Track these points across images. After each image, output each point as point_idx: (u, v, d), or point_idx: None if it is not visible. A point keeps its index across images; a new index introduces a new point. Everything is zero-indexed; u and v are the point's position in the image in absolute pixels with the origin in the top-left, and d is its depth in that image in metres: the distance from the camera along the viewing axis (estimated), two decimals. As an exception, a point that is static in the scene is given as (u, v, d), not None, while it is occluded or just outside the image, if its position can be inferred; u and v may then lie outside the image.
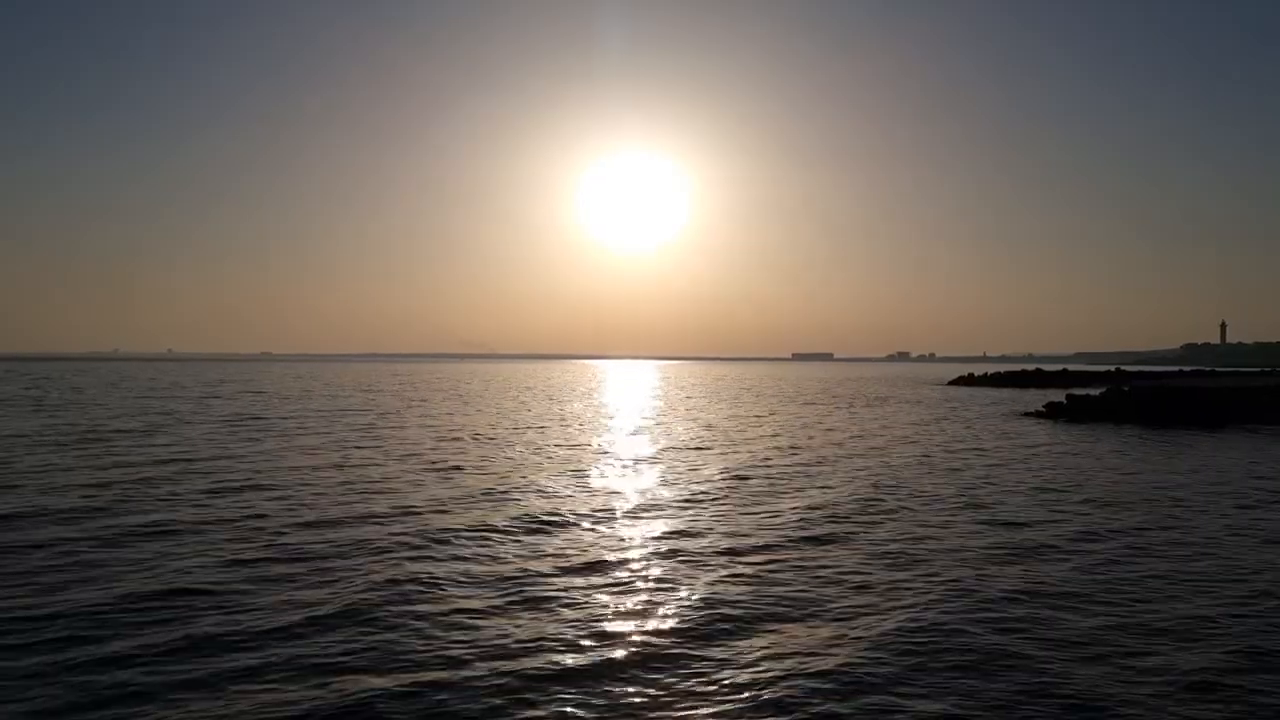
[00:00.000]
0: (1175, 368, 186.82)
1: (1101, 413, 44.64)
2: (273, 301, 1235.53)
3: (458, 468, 24.02)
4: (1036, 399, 60.83)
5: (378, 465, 24.29)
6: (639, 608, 10.88)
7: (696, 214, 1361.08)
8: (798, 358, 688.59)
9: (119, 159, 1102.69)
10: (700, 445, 31.25)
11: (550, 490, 20.08)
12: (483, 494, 19.34)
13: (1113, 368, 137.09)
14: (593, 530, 15.70)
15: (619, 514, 17.26)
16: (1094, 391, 51.13)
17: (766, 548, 14.23)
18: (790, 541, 14.74)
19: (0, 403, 51.84)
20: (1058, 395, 51.77)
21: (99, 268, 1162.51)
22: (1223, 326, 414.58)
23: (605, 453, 28.43)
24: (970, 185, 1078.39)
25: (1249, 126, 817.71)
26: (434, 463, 25.02)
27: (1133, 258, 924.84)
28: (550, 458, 26.81)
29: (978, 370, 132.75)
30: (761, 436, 34.93)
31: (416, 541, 14.34)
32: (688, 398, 69.96)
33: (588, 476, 22.56)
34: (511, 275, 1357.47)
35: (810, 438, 34.45)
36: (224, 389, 75.20)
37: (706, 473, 23.52)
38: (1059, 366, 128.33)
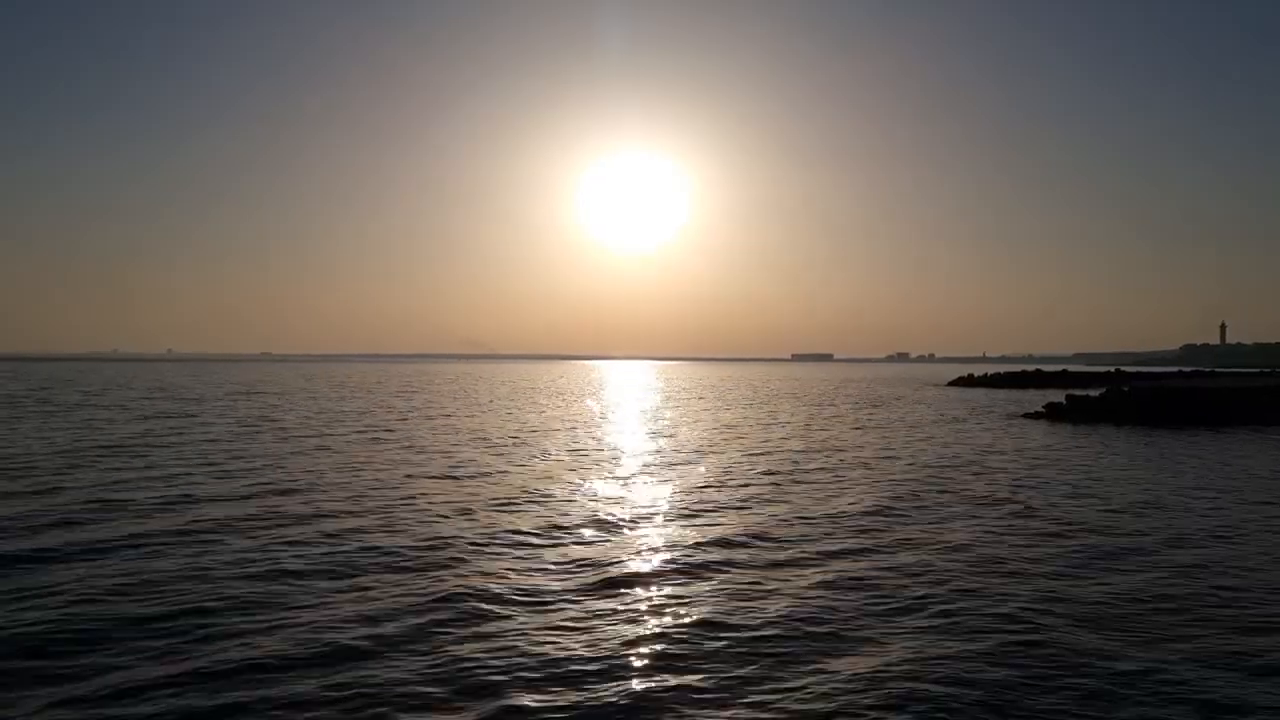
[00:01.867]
0: (1174, 368, 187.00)
1: (1101, 413, 44.82)
2: (272, 302, 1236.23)
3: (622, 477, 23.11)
4: (1036, 399, 61.03)
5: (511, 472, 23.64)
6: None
7: (696, 214, 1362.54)
8: (797, 358, 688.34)
9: (119, 159, 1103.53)
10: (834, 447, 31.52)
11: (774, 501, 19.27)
12: (687, 509, 18.04)
13: (1112, 368, 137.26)
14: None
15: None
16: (1093, 392, 51.32)
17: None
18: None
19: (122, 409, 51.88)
20: (1057, 396, 51.95)
21: (99, 268, 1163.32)
22: (1222, 327, 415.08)
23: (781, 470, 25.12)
24: (970, 185, 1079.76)
25: (1249, 126, 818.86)
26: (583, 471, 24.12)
27: (1133, 258, 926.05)
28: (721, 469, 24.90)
29: (977, 371, 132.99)
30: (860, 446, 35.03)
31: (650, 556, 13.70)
32: (727, 403, 67.04)
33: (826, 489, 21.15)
34: (511, 275, 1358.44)
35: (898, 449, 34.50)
36: (260, 390, 75.34)
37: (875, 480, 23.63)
38: (1058, 367, 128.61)
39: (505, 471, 23.85)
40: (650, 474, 23.84)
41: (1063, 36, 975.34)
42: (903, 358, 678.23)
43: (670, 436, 35.73)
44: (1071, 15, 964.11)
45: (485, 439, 33.26)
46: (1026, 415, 48.56)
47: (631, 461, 26.60)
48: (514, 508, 18.00)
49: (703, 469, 24.89)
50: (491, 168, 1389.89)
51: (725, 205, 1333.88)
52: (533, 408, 55.43)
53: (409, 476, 22.47)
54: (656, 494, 20.18)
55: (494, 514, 17.23)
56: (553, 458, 27.36)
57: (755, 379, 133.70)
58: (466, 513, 17.33)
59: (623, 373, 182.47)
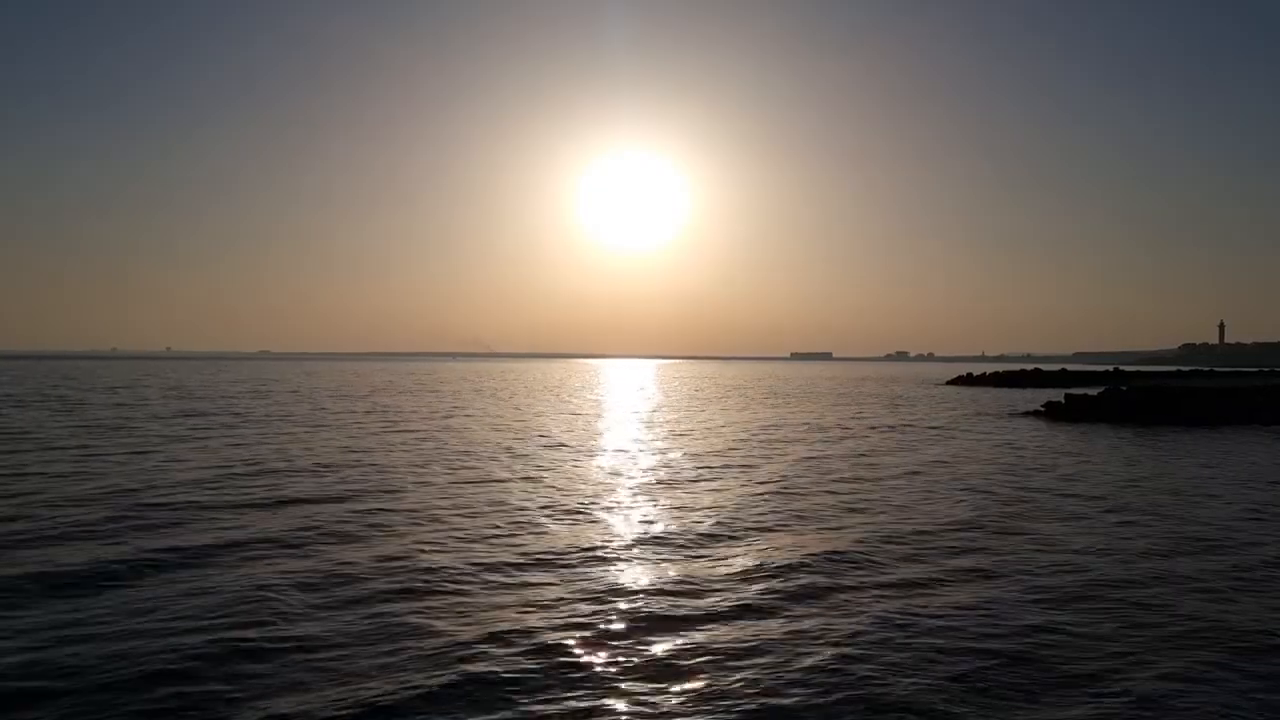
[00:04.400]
0: (1173, 368, 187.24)
1: (1099, 413, 44.97)
2: (271, 300, 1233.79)
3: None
4: (1035, 399, 61.26)
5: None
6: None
7: (696, 214, 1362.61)
8: (796, 357, 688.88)
9: (119, 159, 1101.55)
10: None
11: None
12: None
13: (1111, 368, 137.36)
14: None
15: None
16: (1092, 391, 51.50)
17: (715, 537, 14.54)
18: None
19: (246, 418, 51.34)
20: (1056, 395, 52.16)
21: (98, 267, 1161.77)
22: (1221, 327, 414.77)
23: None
24: (970, 185, 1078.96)
25: (1249, 126, 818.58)
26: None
27: (1131, 258, 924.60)
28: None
29: (976, 370, 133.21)
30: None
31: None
32: (784, 401, 66.21)
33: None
34: (511, 275, 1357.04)
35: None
36: (338, 393, 75.28)
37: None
38: (1057, 366, 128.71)
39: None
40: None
41: (1063, 37, 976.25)
42: (902, 356, 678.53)
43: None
44: (1071, 16, 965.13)
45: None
46: (1026, 414, 48.75)
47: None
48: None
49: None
50: (491, 167, 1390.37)
51: (725, 205, 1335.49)
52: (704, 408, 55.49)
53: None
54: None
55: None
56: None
57: (767, 377, 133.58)
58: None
59: (631, 372, 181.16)
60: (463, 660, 9.02)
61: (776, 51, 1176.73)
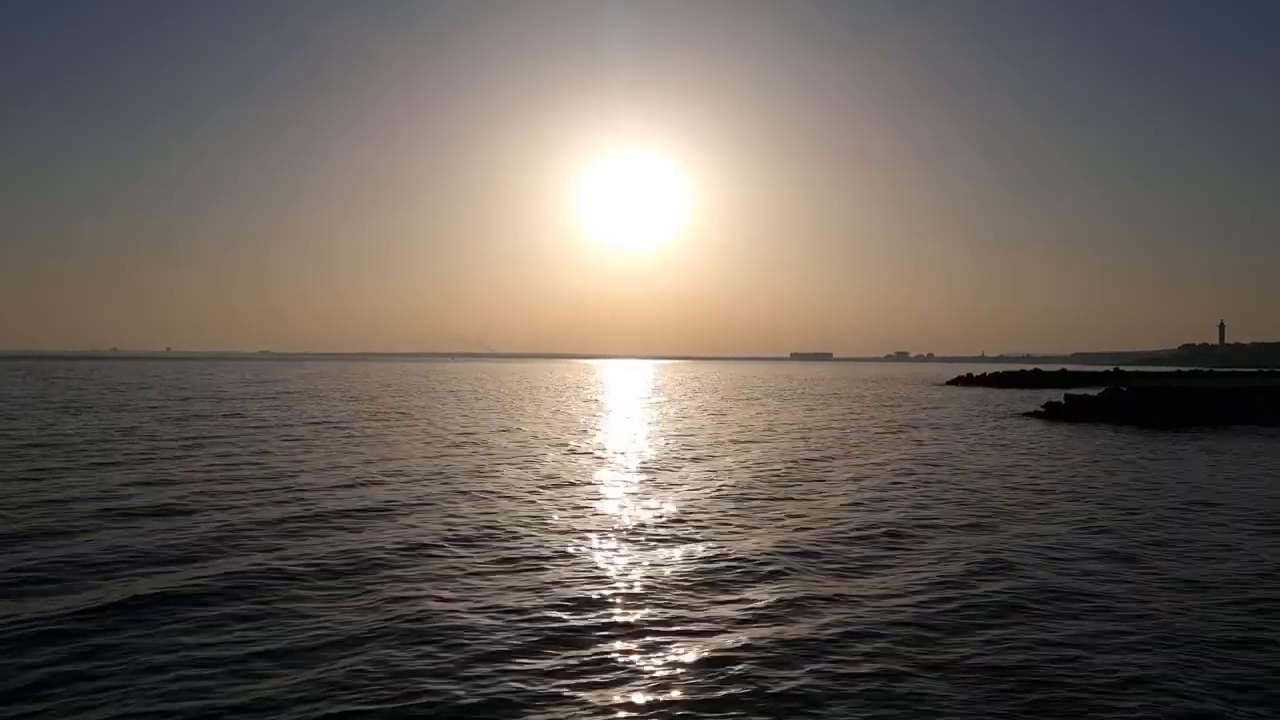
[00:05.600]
0: (1173, 368, 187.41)
1: (1099, 413, 45.43)
2: (271, 300, 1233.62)
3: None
4: (1035, 399, 61.83)
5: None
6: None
7: (696, 214, 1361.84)
8: (796, 357, 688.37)
9: (118, 159, 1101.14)
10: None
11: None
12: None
13: (1111, 368, 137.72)
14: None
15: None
16: (1092, 392, 52.03)
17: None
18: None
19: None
20: (1056, 395, 52.65)
21: (97, 266, 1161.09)
22: (1221, 327, 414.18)
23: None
24: (970, 185, 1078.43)
25: (1248, 126, 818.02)
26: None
27: (1131, 258, 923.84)
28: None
29: (976, 370, 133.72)
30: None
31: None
32: (803, 403, 66.53)
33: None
34: (511, 275, 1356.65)
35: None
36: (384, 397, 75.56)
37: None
38: (1057, 367, 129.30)
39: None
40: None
41: (1063, 37, 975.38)
42: (902, 357, 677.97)
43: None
44: (1071, 16, 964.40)
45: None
46: (1025, 414, 49.36)
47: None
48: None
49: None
50: (491, 167, 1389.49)
51: (725, 205, 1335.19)
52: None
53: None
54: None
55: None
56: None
57: (773, 379, 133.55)
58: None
59: (635, 373, 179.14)
60: (644, 684, 8.70)
61: (776, 51, 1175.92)
